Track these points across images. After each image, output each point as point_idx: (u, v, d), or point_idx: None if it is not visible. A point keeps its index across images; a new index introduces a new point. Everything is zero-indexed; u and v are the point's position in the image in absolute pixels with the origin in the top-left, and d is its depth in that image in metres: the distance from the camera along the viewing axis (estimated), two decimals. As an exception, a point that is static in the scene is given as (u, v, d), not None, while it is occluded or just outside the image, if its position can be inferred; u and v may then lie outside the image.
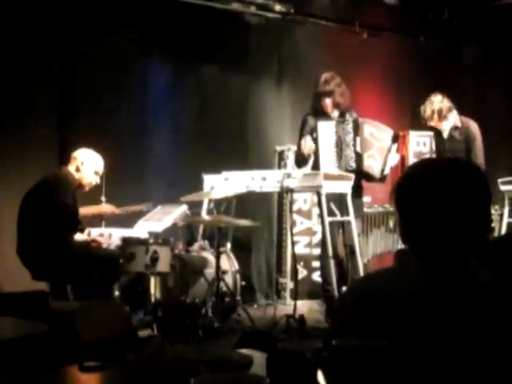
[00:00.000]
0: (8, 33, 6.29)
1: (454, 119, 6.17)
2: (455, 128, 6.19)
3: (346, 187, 5.79)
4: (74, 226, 5.36)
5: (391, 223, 6.41)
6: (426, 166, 1.91)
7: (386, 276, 1.82)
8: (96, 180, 5.55)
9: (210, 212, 6.27)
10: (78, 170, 5.47)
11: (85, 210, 5.67)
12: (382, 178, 6.07)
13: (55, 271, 5.16)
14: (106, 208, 5.82)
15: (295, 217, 7.57)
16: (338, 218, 5.92)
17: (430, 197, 1.75)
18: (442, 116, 6.09)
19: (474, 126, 6.19)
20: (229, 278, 5.97)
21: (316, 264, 7.30)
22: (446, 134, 6.22)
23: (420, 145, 6.66)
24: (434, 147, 6.47)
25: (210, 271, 5.88)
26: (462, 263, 1.73)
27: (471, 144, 6.12)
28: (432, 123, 6.16)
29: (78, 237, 5.45)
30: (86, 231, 5.67)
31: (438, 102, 6.10)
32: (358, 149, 5.94)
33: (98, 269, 5.29)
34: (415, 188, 1.79)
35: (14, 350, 2.73)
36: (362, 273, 5.79)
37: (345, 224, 5.95)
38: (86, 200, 5.70)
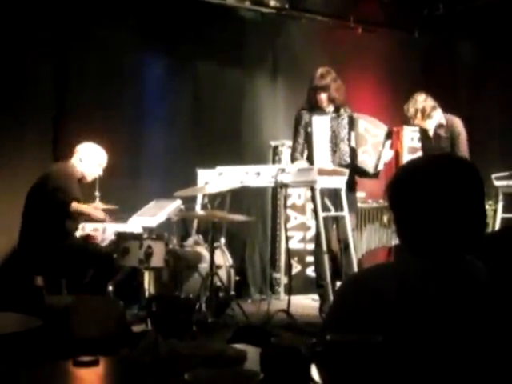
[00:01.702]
0: (3, 27, 6.28)
1: (438, 117, 6.19)
2: (440, 126, 6.21)
3: (340, 182, 5.79)
4: (67, 213, 5.30)
5: (385, 218, 6.43)
6: (419, 164, 1.91)
7: (381, 271, 1.82)
8: (99, 172, 5.57)
9: (204, 207, 6.27)
10: (80, 160, 5.51)
11: (77, 207, 5.57)
12: (376, 174, 6.08)
13: (51, 265, 5.16)
14: (97, 213, 5.64)
15: (289, 212, 7.58)
16: (332, 213, 5.93)
17: (424, 194, 1.75)
18: (425, 115, 6.11)
19: (458, 123, 6.22)
20: (223, 273, 5.98)
21: (310, 259, 7.31)
22: (431, 133, 6.25)
23: (414, 140, 6.65)
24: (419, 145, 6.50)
25: (204, 266, 5.89)
26: (459, 259, 1.74)
27: (456, 140, 6.15)
28: (416, 122, 6.18)
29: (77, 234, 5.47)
30: (81, 226, 5.67)
31: (421, 101, 6.12)
32: (353, 144, 5.94)
33: (94, 266, 5.29)
34: (409, 185, 1.80)
35: (7, 345, 2.73)
36: (356, 268, 5.80)
37: (339, 219, 5.96)
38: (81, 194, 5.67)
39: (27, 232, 5.27)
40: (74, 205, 5.31)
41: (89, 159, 5.52)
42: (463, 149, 6.12)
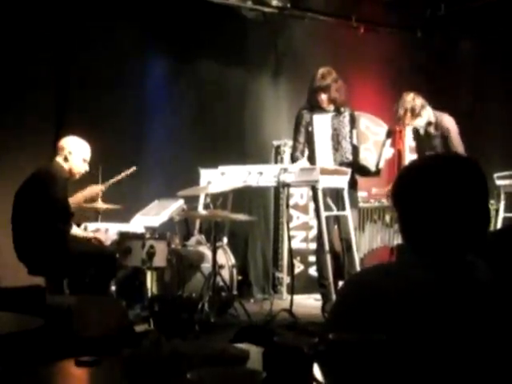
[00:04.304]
0: (6, 29, 6.28)
1: (427, 115, 6.16)
2: (429, 124, 6.18)
3: (342, 182, 5.79)
4: (67, 218, 5.32)
5: (387, 218, 6.42)
6: (423, 162, 1.91)
7: (384, 271, 1.82)
8: (85, 168, 5.45)
9: (206, 206, 6.27)
10: (66, 159, 5.36)
11: (76, 198, 5.59)
12: (377, 172, 6.09)
13: (52, 266, 5.15)
14: (93, 189, 5.68)
15: (292, 211, 7.58)
16: (335, 212, 5.92)
17: (428, 192, 1.75)
18: (414, 114, 6.10)
19: (447, 119, 6.17)
20: (225, 273, 5.98)
21: (312, 258, 7.30)
22: (421, 131, 6.24)
23: (416, 139, 6.66)
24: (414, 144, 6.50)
25: (206, 266, 5.89)
26: (461, 258, 1.74)
27: (447, 137, 6.12)
28: (406, 121, 6.17)
29: (77, 231, 5.43)
30: (83, 226, 5.66)
31: (409, 100, 6.10)
32: (355, 141, 5.96)
33: (95, 265, 5.27)
34: (413, 184, 1.79)
35: (9, 345, 2.73)
36: (358, 267, 5.79)
37: (340, 218, 5.95)
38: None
39: (23, 234, 5.22)
40: (73, 200, 5.31)
41: (75, 156, 5.38)
42: (456, 144, 6.06)
